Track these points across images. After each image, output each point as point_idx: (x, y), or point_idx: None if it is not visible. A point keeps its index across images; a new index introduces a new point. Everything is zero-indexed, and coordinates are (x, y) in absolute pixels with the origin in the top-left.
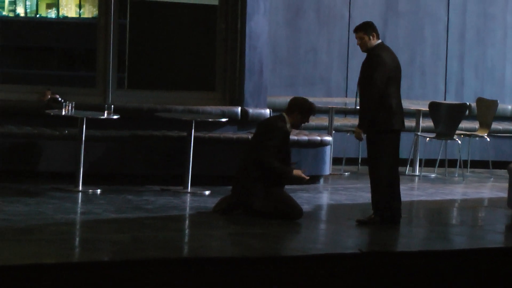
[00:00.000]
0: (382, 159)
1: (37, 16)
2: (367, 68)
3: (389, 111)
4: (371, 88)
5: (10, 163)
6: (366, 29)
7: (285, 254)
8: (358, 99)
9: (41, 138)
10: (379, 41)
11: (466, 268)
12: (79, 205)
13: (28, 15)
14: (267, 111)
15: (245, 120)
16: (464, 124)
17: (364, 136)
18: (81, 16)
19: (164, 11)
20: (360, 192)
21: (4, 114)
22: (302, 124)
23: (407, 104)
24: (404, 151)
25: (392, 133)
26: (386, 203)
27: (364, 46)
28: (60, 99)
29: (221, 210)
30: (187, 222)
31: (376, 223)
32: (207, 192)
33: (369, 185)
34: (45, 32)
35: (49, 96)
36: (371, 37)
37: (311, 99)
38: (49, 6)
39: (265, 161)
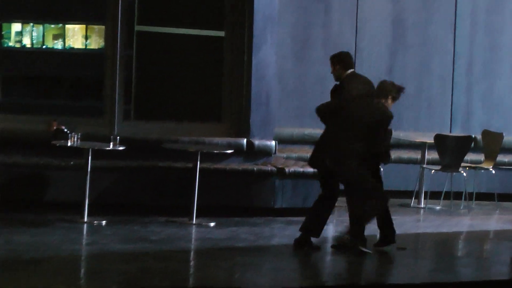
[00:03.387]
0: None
1: (44, 47)
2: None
3: None
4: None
5: (16, 193)
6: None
7: (292, 286)
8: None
9: (47, 168)
10: (349, 71)
11: None
12: (85, 236)
13: (35, 46)
14: (273, 142)
15: (251, 152)
16: (469, 157)
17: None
18: (88, 47)
19: (171, 42)
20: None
21: (11, 144)
22: None
23: (413, 136)
24: (410, 183)
25: None
26: None
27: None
28: (66, 130)
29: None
30: (192, 253)
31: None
32: (212, 224)
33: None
34: (52, 62)
35: (55, 127)
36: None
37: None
38: (55, 37)
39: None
